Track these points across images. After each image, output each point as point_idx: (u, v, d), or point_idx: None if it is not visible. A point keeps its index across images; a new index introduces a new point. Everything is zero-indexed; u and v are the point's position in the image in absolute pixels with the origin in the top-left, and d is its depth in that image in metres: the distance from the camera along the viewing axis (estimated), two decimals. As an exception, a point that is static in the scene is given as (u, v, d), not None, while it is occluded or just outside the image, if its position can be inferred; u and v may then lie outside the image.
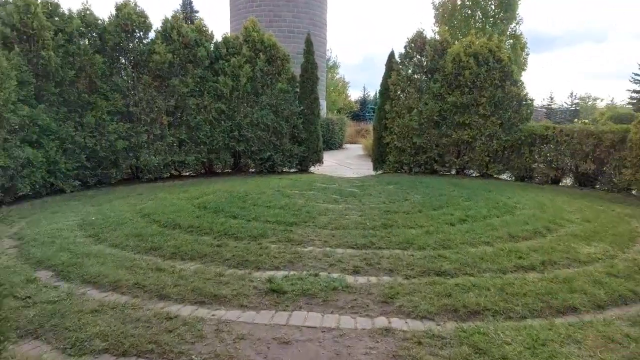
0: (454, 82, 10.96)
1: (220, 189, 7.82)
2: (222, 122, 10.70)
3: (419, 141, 11.18)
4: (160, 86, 10.04)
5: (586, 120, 17.85)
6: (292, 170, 11.98)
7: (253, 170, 11.62)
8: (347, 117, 26.97)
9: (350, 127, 24.88)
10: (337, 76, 36.06)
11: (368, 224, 5.27)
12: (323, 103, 21.79)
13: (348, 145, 22.68)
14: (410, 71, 11.65)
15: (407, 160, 11.43)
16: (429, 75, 11.34)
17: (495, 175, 10.91)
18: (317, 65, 12.26)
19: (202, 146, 10.48)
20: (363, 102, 45.64)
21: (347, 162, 15.92)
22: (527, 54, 24.74)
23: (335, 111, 30.28)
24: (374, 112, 43.26)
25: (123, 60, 9.69)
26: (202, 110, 10.43)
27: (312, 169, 12.51)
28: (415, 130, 11.24)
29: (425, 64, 11.38)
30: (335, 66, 34.48)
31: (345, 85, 36.56)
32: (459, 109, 10.94)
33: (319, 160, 12.29)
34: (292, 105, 11.54)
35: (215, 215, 5.64)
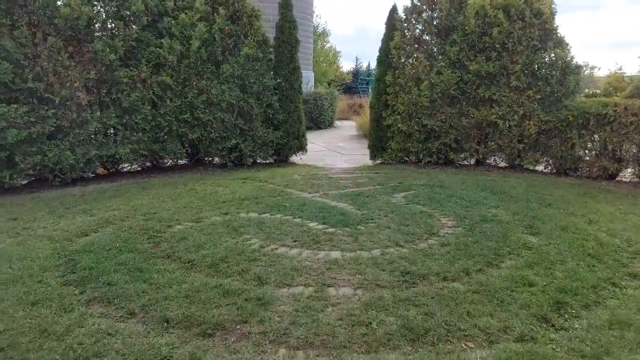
0: (478, 44, 8.10)
1: (136, 208, 5.04)
2: (168, 100, 7.82)
3: (431, 123, 8.40)
4: (76, 52, 7.12)
5: (597, 91, 15.09)
6: (267, 161, 9.19)
7: (218, 161, 8.80)
8: (339, 90, 23.93)
9: (341, 101, 21.92)
10: (328, 45, 32.73)
11: (375, 325, 2.58)
12: (310, 74, 18.72)
13: (339, 123, 19.80)
14: (418, 31, 8.74)
15: (415, 147, 8.67)
16: (444, 36, 8.44)
17: (528, 167, 8.20)
18: (297, 25, 9.28)
19: (140, 134, 7.63)
20: (356, 73, 42.27)
21: (338, 146, 13.13)
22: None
23: (326, 83, 27.18)
24: (367, 84, 40.25)
25: (16, 16, 6.70)
26: (138, 85, 7.53)
27: (293, 158, 9.73)
28: (426, 109, 8.44)
29: (438, 21, 8.46)
30: (325, 34, 31.14)
31: (337, 55, 33.26)
32: (483, 80, 8.13)
33: (302, 148, 9.51)
34: (264, 78, 8.65)
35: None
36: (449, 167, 8.56)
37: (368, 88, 37.48)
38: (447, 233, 4.03)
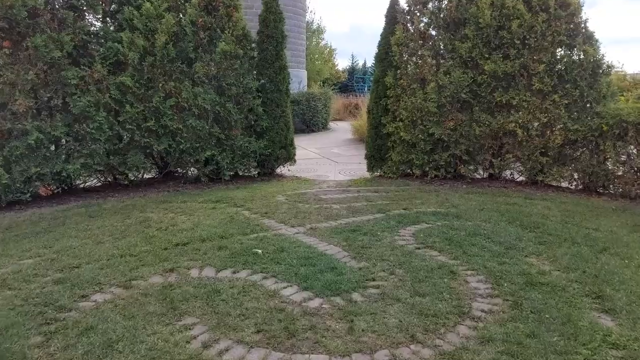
0: (494, 39, 6.81)
1: (59, 255, 3.71)
2: (129, 106, 6.48)
3: (438, 132, 7.11)
4: (12, 48, 5.78)
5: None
6: (250, 173, 7.86)
7: (194, 173, 7.48)
8: (334, 90, 22.59)
9: (336, 101, 20.59)
10: (323, 42, 31.32)
11: None
12: (302, 73, 17.37)
13: (334, 125, 18.47)
14: (423, 24, 7.43)
15: (420, 159, 7.37)
16: (454, 31, 7.14)
17: (551, 182, 6.93)
18: (284, 17, 7.96)
19: (94, 146, 6.30)
20: (351, 71, 40.93)
21: (332, 152, 11.83)
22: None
23: (320, 82, 25.82)
24: (363, 82, 39.00)
25: None
26: (91, 87, 6.19)
27: (280, 169, 8.42)
28: (433, 116, 7.15)
29: (447, 12, 7.15)
30: (320, 30, 29.72)
31: (332, 52, 31.86)
32: (500, 81, 6.85)
33: (290, 158, 8.20)
34: (245, 78, 7.33)
35: None
36: (458, 182, 7.29)
37: (364, 87, 36.22)
38: (483, 311, 2.73)
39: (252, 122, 7.61)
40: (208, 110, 6.98)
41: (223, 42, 6.94)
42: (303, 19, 17.18)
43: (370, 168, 8.18)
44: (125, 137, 6.58)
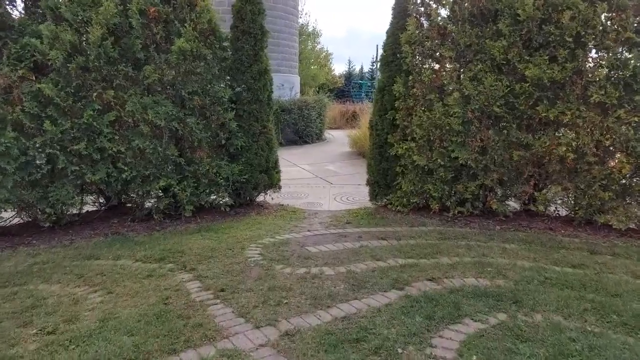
0: (537, 36, 5.08)
1: None
2: (49, 122, 4.71)
3: (464, 156, 5.37)
4: None
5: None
6: (221, 205, 6.07)
7: (150, 206, 5.67)
8: (330, 97, 20.87)
9: (332, 109, 18.88)
10: (319, 47, 29.63)
11: None
12: (295, 79, 15.61)
13: (330, 134, 16.72)
14: (443, 18, 5.69)
15: (439, 190, 5.62)
16: (483, 26, 5.40)
17: (613, 224, 5.18)
18: (264, 9, 6.22)
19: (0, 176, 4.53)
20: (348, 76, 39.28)
21: (328, 170, 10.08)
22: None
23: (316, 88, 24.11)
24: (360, 88, 37.38)
25: None
26: (-9, 97, 4.43)
27: (262, 197, 6.67)
28: (456, 134, 5.42)
29: (473, 2, 5.41)
30: (315, 34, 28.03)
31: (328, 56, 30.17)
32: (545, 91, 5.12)
33: (272, 184, 6.45)
34: (213, 85, 5.59)
35: None
36: (489, 219, 5.55)
37: (361, 93, 34.57)
38: None
39: (224, 141, 5.86)
40: (162, 126, 5.22)
41: (182, 39, 5.18)
42: (295, 19, 15.47)
43: (374, 196, 6.44)
44: (44, 163, 4.80)
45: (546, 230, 5.19)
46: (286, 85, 14.46)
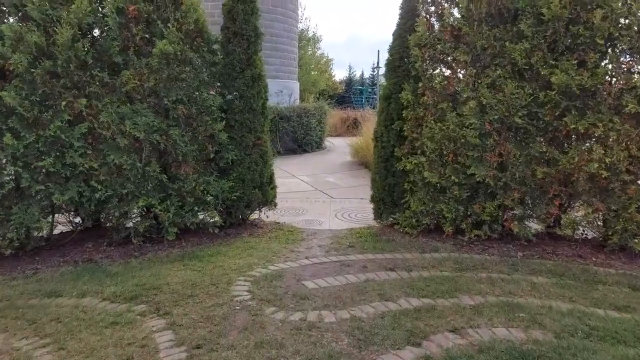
0: (563, 38, 4.48)
1: None
2: (9, 136, 4.10)
3: (481, 173, 4.74)
4: None
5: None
6: (209, 225, 5.42)
7: (130, 227, 5.02)
8: (331, 103, 20.29)
9: (333, 116, 18.29)
10: (319, 52, 29.08)
11: None
12: (294, 85, 15.02)
13: (331, 142, 16.10)
14: (454, 18, 5.08)
15: (452, 211, 4.98)
16: (502, 26, 4.78)
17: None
18: (259, 9, 5.62)
19: (-54, 201, 3.90)
20: (349, 82, 38.73)
21: (328, 181, 9.46)
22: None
23: (316, 94, 23.55)
24: (361, 94, 36.82)
25: None
26: (-61, 107, 3.81)
27: (257, 214, 6.05)
28: (472, 148, 4.79)
29: (490, 2, 4.80)
30: (316, 39, 27.50)
31: (329, 62, 29.63)
32: (574, 100, 4.50)
33: (267, 202, 5.83)
34: (201, 92, 4.99)
35: None
36: (509, 244, 4.93)
37: (362, 99, 34.01)
38: None
39: (212, 155, 5.24)
40: (141, 139, 4.60)
41: (164, 41, 4.57)
42: (295, 22, 14.90)
43: (379, 215, 5.81)
44: (5, 182, 4.18)
45: (575, 257, 4.55)
46: (285, 92, 13.87)
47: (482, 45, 4.77)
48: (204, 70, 5.14)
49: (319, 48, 28.59)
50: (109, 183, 4.56)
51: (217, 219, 5.38)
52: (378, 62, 27.25)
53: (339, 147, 14.57)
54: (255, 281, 3.81)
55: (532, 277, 3.93)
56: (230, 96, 5.39)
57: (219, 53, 5.34)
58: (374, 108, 24.65)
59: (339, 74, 59.28)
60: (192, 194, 5.00)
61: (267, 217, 6.17)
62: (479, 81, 4.82)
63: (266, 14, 13.19)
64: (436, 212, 5.16)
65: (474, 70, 4.84)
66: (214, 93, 5.36)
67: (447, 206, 5.00)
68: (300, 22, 23.53)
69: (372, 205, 5.86)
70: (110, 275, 3.99)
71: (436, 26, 5.22)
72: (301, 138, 12.99)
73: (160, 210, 4.77)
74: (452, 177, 4.90)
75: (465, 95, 4.87)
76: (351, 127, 18.76)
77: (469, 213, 4.97)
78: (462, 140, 4.80)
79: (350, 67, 54.71)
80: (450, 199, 4.99)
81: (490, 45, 4.74)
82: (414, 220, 5.31)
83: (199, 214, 5.21)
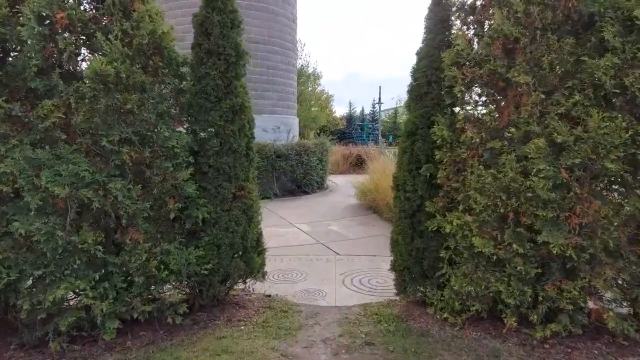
0: (669, 49, 3.06)
1: None
2: None
3: (558, 240, 3.19)
4: None
5: None
6: (167, 312, 3.80)
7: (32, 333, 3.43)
8: (333, 139, 19.05)
9: (335, 152, 16.97)
10: (319, 88, 28.24)
11: None
12: (293, 120, 13.73)
13: (333, 181, 14.64)
14: (509, 26, 3.68)
15: (515, 295, 3.40)
16: (573, 36, 3.37)
17: None
18: (241, 22, 4.25)
19: None
20: (349, 118, 37.94)
21: (331, 231, 7.91)
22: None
23: (317, 130, 22.38)
24: (362, 129, 35.89)
25: None
26: None
27: (241, 284, 4.47)
28: (544, 205, 3.26)
29: (557, 4, 3.42)
30: (316, 75, 26.66)
31: (329, 98, 28.76)
32: (694, 135, 3.02)
33: (252, 272, 4.27)
34: (160, 129, 3.54)
35: None
36: (599, 342, 3.33)
37: (363, 135, 32.97)
38: None
39: (175, 213, 3.72)
40: (64, 198, 3.10)
41: (100, 58, 3.16)
42: (294, 55, 13.78)
43: (402, 289, 4.25)
44: None
45: None
46: (283, 128, 12.56)
47: (550, 61, 3.34)
48: (166, 99, 3.73)
49: (319, 84, 27.77)
50: (13, 262, 3.03)
51: (179, 302, 3.80)
52: (380, 98, 26.42)
53: (342, 187, 13.09)
54: None
55: None
56: (203, 134, 3.94)
57: (188, 77, 3.95)
58: (376, 143, 23.45)
59: (339, 111, 59.07)
60: (143, 270, 3.45)
61: (253, 290, 4.59)
62: (547, 110, 3.37)
63: (263, 46, 12.06)
64: (485, 294, 3.58)
65: (541, 96, 3.39)
66: (182, 129, 3.94)
67: (507, 287, 3.42)
68: (300, 59, 22.74)
69: (394, 278, 4.30)
70: None
71: (476, 40, 3.85)
72: (300, 178, 11.53)
73: (91, 299, 3.20)
74: (515, 246, 3.35)
75: (527, 129, 3.41)
76: (354, 165, 17.41)
77: (542, 298, 3.38)
78: (528, 194, 3.30)
79: (350, 104, 54.54)
80: (512, 276, 3.42)
81: (563, 61, 3.32)
82: (457, 303, 3.72)
83: (152, 299, 3.64)
